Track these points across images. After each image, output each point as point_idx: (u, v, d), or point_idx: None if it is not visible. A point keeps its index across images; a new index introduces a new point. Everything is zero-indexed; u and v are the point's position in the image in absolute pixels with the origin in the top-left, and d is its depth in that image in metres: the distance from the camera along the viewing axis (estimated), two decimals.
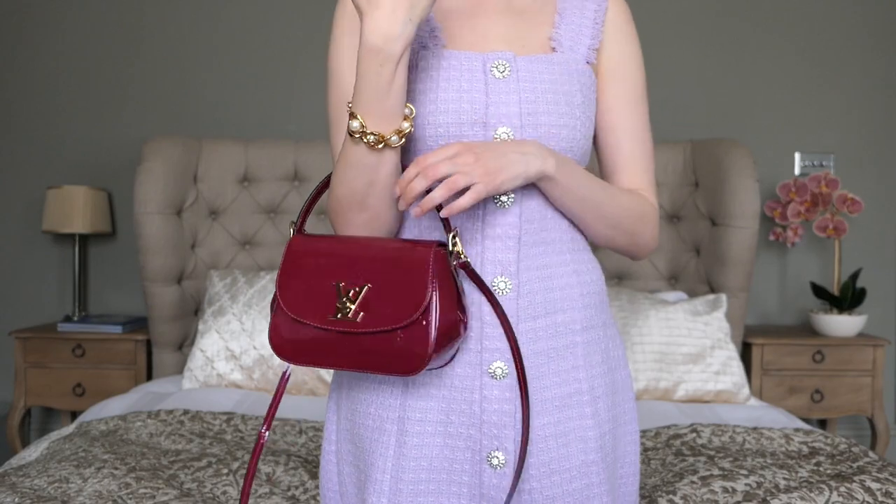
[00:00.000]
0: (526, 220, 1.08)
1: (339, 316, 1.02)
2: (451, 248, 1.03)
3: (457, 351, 1.06)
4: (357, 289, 1.02)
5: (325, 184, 1.12)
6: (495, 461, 1.05)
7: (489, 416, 1.05)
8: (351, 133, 0.99)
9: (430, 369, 1.05)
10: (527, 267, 1.08)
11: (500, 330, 1.05)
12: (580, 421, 1.08)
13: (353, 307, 1.01)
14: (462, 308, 1.04)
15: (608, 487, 1.10)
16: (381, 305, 1.01)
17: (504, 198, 1.07)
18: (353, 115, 0.99)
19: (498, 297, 1.06)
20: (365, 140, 0.99)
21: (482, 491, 1.06)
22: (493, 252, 1.07)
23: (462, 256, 1.04)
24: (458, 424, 1.06)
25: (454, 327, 1.02)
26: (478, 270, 1.07)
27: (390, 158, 1.02)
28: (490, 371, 1.06)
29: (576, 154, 1.10)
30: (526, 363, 1.06)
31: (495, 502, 1.06)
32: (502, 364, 1.06)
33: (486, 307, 1.06)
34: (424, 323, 0.99)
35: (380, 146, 0.99)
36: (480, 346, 1.06)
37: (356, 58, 1.11)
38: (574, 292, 1.10)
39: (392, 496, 1.06)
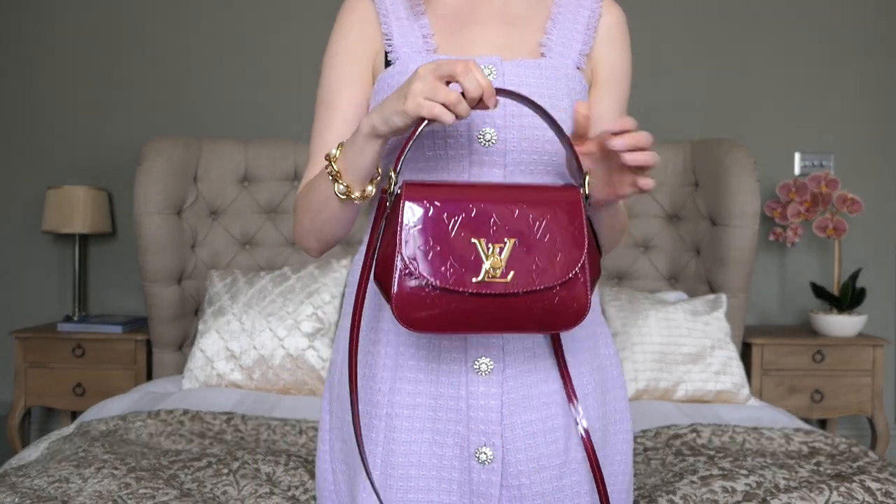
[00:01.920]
0: None
1: (486, 278, 0.92)
2: (586, 189, 0.99)
3: None
4: (502, 245, 0.93)
5: (417, 127, 0.97)
6: (483, 457, 1.06)
7: (475, 413, 1.06)
8: (328, 171, 1.03)
9: None
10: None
11: None
12: (568, 418, 1.09)
13: (501, 266, 0.92)
14: (599, 246, 0.99)
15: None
16: (533, 262, 0.92)
17: None
18: (332, 161, 1.03)
19: None
20: (334, 186, 1.03)
21: (472, 487, 1.07)
22: None
23: (588, 197, 0.99)
24: (445, 421, 1.07)
25: (598, 268, 0.99)
26: None
27: (346, 206, 1.06)
28: (475, 367, 1.06)
29: (562, 156, 1.11)
30: (509, 359, 1.07)
31: (486, 498, 1.06)
32: (487, 360, 1.06)
33: None
34: (583, 279, 0.94)
35: (343, 197, 1.02)
36: (465, 342, 1.06)
37: (352, 52, 1.16)
38: None
39: (382, 492, 1.07)
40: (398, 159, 0.97)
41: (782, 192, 2.99)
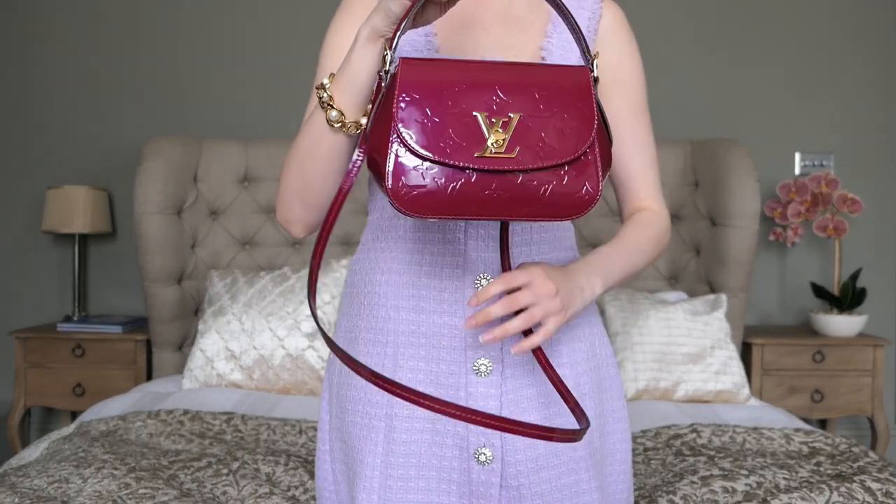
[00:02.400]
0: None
1: (489, 152, 0.85)
2: (595, 72, 0.94)
3: None
4: (506, 119, 0.87)
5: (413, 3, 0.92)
6: (482, 457, 1.06)
7: None
8: (320, 97, 0.97)
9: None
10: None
11: (483, 326, 1.05)
12: (566, 418, 1.09)
13: (505, 140, 0.86)
14: (610, 135, 0.94)
15: (597, 484, 1.11)
16: (540, 137, 0.86)
17: None
18: (323, 88, 0.98)
19: None
20: (326, 114, 0.97)
21: (471, 487, 1.07)
22: (476, 251, 1.07)
23: (597, 80, 0.95)
24: (445, 421, 1.07)
25: (609, 156, 0.92)
26: (460, 270, 1.07)
27: (337, 145, 1.00)
28: (475, 368, 1.06)
29: None
30: (508, 360, 1.07)
31: (485, 498, 1.07)
32: (486, 361, 1.06)
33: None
34: (592, 156, 0.88)
35: (337, 125, 0.97)
36: (464, 343, 1.06)
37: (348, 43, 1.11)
38: None
39: (382, 492, 1.07)
40: (394, 35, 0.91)
41: (782, 192, 2.99)
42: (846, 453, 1.96)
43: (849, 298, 2.93)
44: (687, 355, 2.50)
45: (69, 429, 2.19)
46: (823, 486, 1.66)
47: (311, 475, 1.82)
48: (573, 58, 1.14)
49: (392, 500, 1.06)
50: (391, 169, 0.85)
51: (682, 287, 2.93)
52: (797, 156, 3.22)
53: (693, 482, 1.72)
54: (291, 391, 2.53)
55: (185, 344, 2.91)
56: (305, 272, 2.68)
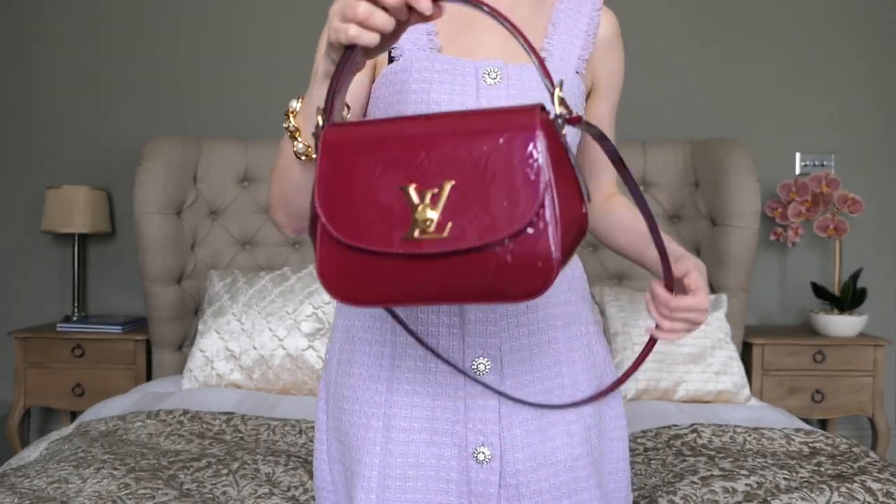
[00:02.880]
0: None
1: (417, 233, 0.74)
2: (556, 108, 0.76)
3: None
4: (436, 190, 0.74)
5: (340, 59, 0.84)
6: (481, 457, 1.06)
7: (473, 412, 1.06)
8: (286, 127, 0.94)
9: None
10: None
11: (482, 326, 1.06)
12: (564, 416, 1.09)
13: (435, 217, 0.74)
14: (582, 192, 0.78)
15: (596, 481, 1.11)
16: (476, 208, 0.73)
17: None
18: (291, 115, 0.94)
19: None
20: (293, 145, 0.93)
21: (470, 487, 1.07)
22: None
23: (573, 113, 0.77)
24: (443, 421, 1.07)
25: (579, 220, 0.77)
26: None
27: (307, 171, 0.96)
28: (473, 367, 1.06)
29: None
30: (507, 359, 1.07)
31: (483, 497, 1.07)
32: (485, 360, 1.06)
33: None
34: (542, 225, 0.72)
35: (303, 158, 0.93)
36: (462, 342, 1.06)
37: None
38: (555, 289, 1.11)
39: (380, 492, 1.07)
40: (327, 97, 0.82)
41: (783, 192, 2.99)
42: (847, 453, 1.96)
43: (849, 298, 2.92)
44: (687, 355, 2.50)
45: (69, 429, 2.19)
46: (824, 486, 1.66)
47: (311, 475, 1.82)
48: (572, 58, 1.15)
49: (390, 499, 1.06)
50: (318, 255, 0.78)
51: None
52: (797, 156, 3.22)
53: (693, 482, 1.72)
54: (291, 391, 2.53)
55: (184, 344, 2.91)
56: (305, 272, 2.68)
